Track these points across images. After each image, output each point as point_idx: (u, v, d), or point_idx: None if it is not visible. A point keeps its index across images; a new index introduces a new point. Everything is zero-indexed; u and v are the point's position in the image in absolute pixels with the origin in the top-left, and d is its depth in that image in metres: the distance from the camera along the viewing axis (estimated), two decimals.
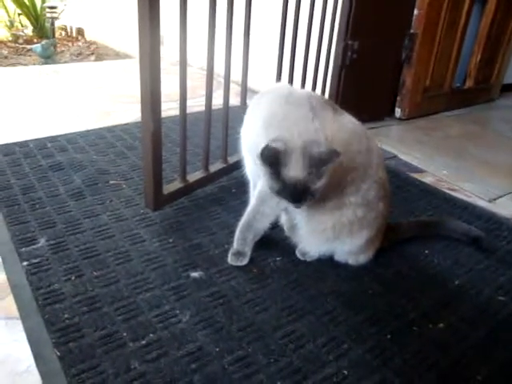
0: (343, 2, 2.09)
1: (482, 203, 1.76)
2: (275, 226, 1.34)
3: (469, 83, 3.01)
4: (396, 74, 2.56)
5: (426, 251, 1.40)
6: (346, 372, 0.97)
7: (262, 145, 1.00)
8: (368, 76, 2.37)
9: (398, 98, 2.63)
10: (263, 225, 1.26)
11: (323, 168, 1.00)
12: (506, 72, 3.23)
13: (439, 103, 2.84)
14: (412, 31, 2.45)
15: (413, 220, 1.52)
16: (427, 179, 1.92)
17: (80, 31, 4.92)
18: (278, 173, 1.01)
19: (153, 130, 1.28)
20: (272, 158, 0.99)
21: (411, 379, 0.97)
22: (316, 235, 1.23)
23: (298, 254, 1.31)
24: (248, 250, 1.27)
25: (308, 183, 1.01)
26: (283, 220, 1.34)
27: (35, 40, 4.39)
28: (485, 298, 1.23)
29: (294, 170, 1.00)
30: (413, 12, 2.43)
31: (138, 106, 1.29)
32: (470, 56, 2.92)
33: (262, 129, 1.08)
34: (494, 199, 1.81)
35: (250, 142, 1.17)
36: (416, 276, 1.29)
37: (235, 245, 1.27)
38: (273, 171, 1.01)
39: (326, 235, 1.22)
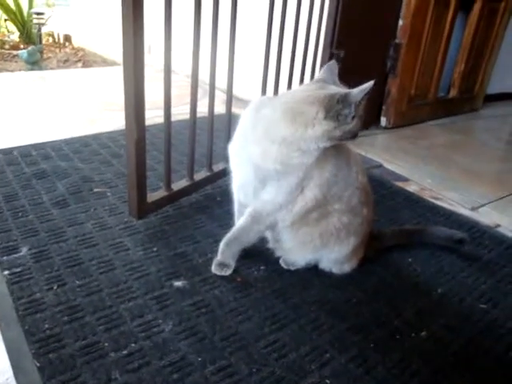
0: (329, 12, 2.12)
1: (465, 212, 1.78)
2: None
3: (453, 93, 3.05)
4: (381, 84, 2.59)
5: (410, 259, 1.41)
6: (328, 381, 0.96)
7: (283, 132, 1.07)
8: (353, 85, 2.38)
9: (384, 107, 2.66)
10: (252, 240, 1.26)
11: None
12: (488, 82, 3.28)
13: (424, 112, 2.88)
14: (397, 41, 2.49)
15: (396, 228, 1.54)
16: (411, 188, 1.94)
17: (67, 38, 4.91)
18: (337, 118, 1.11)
19: (136, 137, 1.27)
20: (339, 103, 1.13)
21: None
22: (303, 246, 1.23)
23: (282, 264, 1.31)
24: (232, 262, 1.26)
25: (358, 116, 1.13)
26: (268, 234, 1.33)
27: (21, 46, 4.37)
28: (467, 306, 1.24)
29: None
30: (397, 22, 2.47)
31: (124, 114, 1.29)
32: (454, 66, 2.97)
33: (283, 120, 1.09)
34: (477, 208, 1.83)
35: (260, 150, 1.10)
36: (399, 284, 1.30)
37: (220, 257, 1.26)
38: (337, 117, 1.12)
39: (313, 245, 1.22)
